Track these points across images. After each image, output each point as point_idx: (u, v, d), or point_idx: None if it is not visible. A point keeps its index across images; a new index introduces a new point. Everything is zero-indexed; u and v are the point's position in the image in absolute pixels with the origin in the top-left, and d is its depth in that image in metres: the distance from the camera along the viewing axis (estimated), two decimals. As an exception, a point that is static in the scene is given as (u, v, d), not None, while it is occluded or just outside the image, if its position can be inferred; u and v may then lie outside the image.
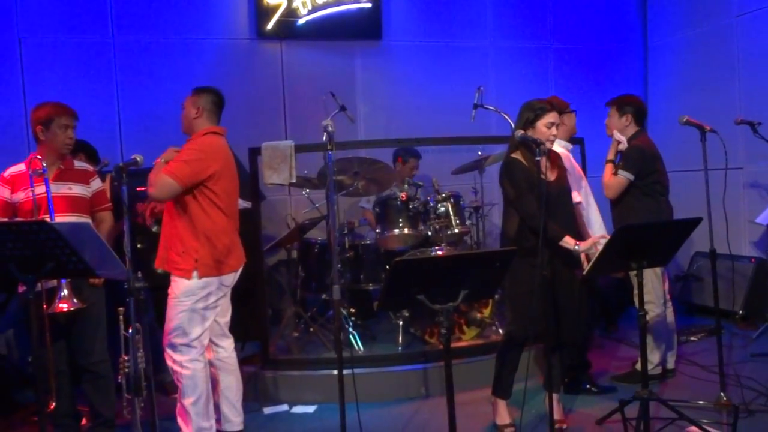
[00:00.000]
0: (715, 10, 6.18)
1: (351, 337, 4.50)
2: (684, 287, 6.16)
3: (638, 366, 4.36)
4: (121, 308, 3.08)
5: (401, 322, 4.57)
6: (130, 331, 2.91)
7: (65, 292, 3.16)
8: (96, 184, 3.60)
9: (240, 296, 4.50)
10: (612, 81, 6.70)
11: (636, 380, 4.00)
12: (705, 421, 3.35)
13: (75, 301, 3.15)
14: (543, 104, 3.39)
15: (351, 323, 4.60)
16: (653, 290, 4.15)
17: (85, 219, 3.42)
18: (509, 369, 3.56)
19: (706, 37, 6.31)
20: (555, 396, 3.52)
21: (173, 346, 3.32)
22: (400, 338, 4.54)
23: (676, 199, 4.60)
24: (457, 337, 4.58)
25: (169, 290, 3.33)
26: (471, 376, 4.19)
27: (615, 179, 4.14)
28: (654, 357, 4.20)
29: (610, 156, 4.29)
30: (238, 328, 4.60)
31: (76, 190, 3.46)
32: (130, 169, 2.97)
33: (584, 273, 3.24)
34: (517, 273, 3.40)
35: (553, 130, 3.35)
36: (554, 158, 3.54)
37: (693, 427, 3.33)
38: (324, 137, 2.97)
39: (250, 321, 4.54)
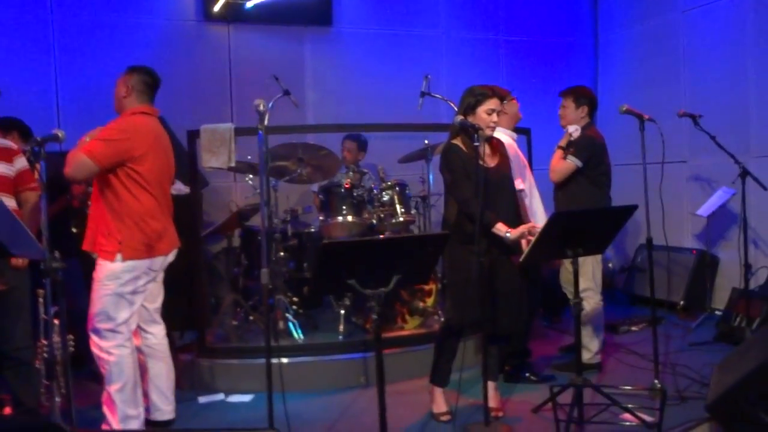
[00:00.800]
0: (662, 5, 6.26)
1: (290, 325, 4.42)
2: (628, 278, 6.25)
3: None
4: (41, 290, 2.95)
5: (343, 311, 4.51)
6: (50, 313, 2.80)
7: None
8: (20, 162, 3.45)
9: (180, 284, 4.40)
10: (563, 74, 6.72)
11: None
12: (632, 406, 3.35)
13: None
14: (484, 90, 3.36)
15: (292, 312, 4.52)
16: (593, 278, 4.17)
17: (6, 198, 3.27)
18: (447, 357, 3.53)
19: (654, 31, 6.39)
20: (492, 384, 3.52)
21: (97, 332, 3.20)
22: (341, 327, 4.47)
23: (621, 192, 4.64)
24: (399, 326, 4.55)
25: (94, 274, 3.20)
26: (412, 366, 4.16)
27: (563, 163, 4.17)
28: (593, 345, 4.24)
29: (562, 143, 4.31)
30: (177, 317, 4.51)
31: (1, 168, 3.31)
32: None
33: (521, 260, 3.23)
34: (456, 260, 3.38)
35: (494, 117, 3.32)
36: (496, 145, 3.52)
37: (626, 414, 3.36)
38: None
39: (190, 309, 4.43)
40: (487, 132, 3.31)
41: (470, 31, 6.60)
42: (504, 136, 3.86)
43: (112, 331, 3.21)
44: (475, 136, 3.13)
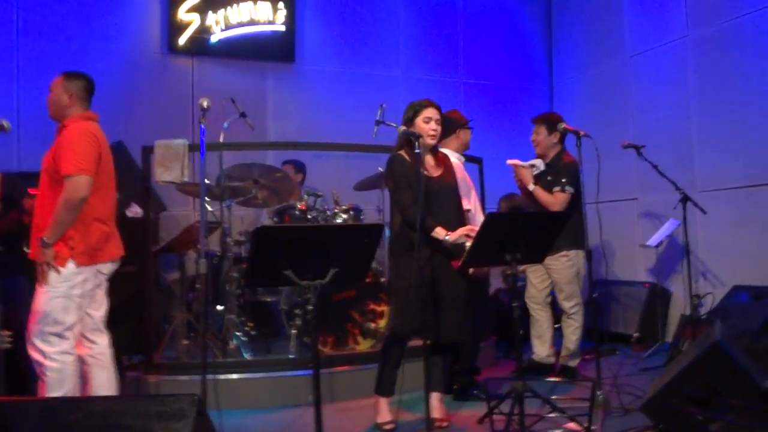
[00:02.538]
0: (611, 50, 6.59)
1: (241, 344, 4.40)
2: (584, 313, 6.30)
3: (534, 357, 4.69)
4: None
5: (294, 332, 4.50)
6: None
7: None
8: None
9: (130, 308, 4.40)
10: (520, 116, 6.92)
11: (539, 370, 4.54)
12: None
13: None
14: (422, 101, 3.52)
15: (243, 331, 4.50)
16: (576, 292, 4.55)
17: None
18: (391, 365, 3.54)
19: (605, 76, 6.70)
20: (436, 395, 3.52)
21: (42, 335, 3.14)
22: (291, 346, 4.46)
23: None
24: (351, 347, 4.54)
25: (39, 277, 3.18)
26: (362, 384, 4.10)
27: (561, 195, 4.36)
28: (578, 353, 4.61)
29: (532, 180, 4.47)
30: (126, 340, 4.47)
31: None
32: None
33: (460, 264, 3.30)
34: (401, 267, 3.45)
35: (432, 125, 3.45)
36: (441, 158, 3.64)
37: (569, 424, 3.37)
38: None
39: (139, 332, 4.40)
40: (428, 141, 3.43)
41: (429, 72, 6.87)
42: (452, 156, 4.00)
43: (59, 335, 3.17)
44: (416, 144, 3.25)
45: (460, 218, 3.59)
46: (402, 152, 3.50)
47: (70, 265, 3.18)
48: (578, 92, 7.12)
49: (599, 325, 6.05)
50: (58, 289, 3.16)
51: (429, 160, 3.52)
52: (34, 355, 3.17)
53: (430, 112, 3.45)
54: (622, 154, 5.30)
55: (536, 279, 4.72)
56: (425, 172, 3.38)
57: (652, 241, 5.38)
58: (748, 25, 5.22)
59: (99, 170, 3.28)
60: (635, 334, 5.69)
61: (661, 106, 6.01)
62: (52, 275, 3.16)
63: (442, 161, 3.62)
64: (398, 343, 3.52)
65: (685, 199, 4.78)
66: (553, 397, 3.81)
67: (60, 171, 3.15)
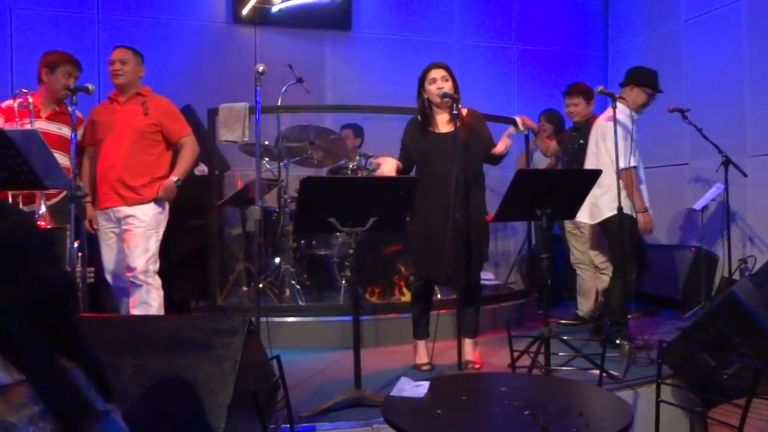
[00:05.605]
0: (666, 15, 6.56)
1: (296, 292, 4.80)
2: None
3: (578, 312, 4.97)
4: (67, 225, 3.37)
5: (345, 282, 4.86)
6: (75, 245, 3.23)
7: (42, 209, 3.50)
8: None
9: (197, 258, 4.85)
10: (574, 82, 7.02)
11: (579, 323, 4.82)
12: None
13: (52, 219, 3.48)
14: (427, 66, 3.71)
15: (297, 280, 4.90)
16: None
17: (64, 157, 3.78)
18: (422, 309, 3.86)
19: (660, 41, 6.67)
20: (468, 341, 3.79)
21: (148, 273, 3.73)
22: (342, 297, 4.82)
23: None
24: (396, 298, 4.87)
25: (138, 222, 3.73)
26: (406, 331, 4.44)
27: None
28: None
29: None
30: (194, 287, 4.95)
31: (66, 131, 3.85)
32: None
33: (493, 217, 3.54)
34: (415, 221, 3.76)
35: (437, 84, 3.61)
36: (463, 115, 3.63)
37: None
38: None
39: (205, 280, 4.82)
40: (435, 99, 3.65)
41: (483, 38, 6.99)
42: (619, 113, 4.05)
43: (156, 271, 3.79)
44: (453, 105, 3.48)
45: (469, 168, 3.64)
46: (418, 117, 3.78)
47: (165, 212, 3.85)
48: (634, 57, 7.08)
49: (646, 288, 6.21)
50: (159, 233, 3.80)
51: (442, 117, 3.74)
52: (146, 285, 3.73)
53: (433, 74, 3.64)
54: (674, 119, 5.37)
55: (577, 243, 4.94)
56: (435, 130, 3.69)
57: (698, 204, 5.45)
58: (804, -11, 5.16)
59: None
60: (679, 297, 5.79)
61: (714, 71, 5.98)
62: (152, 219, 3.76)
63: (462, 118, 3.59)
64: (423, 288, 3.84)
65: (726, 162, 4.84)
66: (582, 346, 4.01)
67: (176, 133, 3.92)
